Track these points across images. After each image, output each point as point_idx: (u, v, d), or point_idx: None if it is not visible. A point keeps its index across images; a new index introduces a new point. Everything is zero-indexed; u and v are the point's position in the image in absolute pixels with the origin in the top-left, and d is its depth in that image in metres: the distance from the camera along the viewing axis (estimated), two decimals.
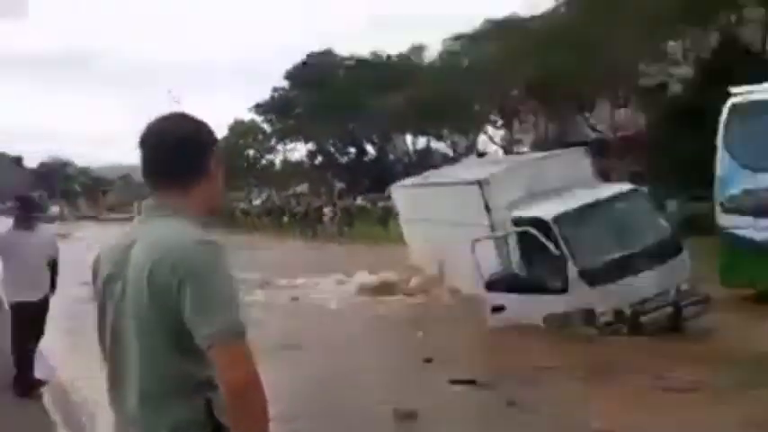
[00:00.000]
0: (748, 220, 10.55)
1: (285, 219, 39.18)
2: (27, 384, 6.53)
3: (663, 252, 9.60)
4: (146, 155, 1.96)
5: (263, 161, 56.79)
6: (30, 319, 6.48)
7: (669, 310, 9.20)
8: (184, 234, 1.83)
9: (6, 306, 6.77)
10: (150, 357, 1.83)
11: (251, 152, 55.42)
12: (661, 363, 7.96)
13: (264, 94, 53.77)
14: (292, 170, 54.23)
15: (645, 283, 9.27)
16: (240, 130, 52.38)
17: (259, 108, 53.86)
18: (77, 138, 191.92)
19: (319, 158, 54.14)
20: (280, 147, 56.26)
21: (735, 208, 10.78)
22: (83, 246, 23.74)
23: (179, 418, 1.83)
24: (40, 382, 6.74)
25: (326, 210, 35.64)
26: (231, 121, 54.94)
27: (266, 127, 55.69)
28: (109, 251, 1.97)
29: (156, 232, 1.86)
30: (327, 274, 16.16)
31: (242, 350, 1.77)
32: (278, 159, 57.32)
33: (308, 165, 54.52)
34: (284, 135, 53.91)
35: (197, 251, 1.79)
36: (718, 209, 11.13)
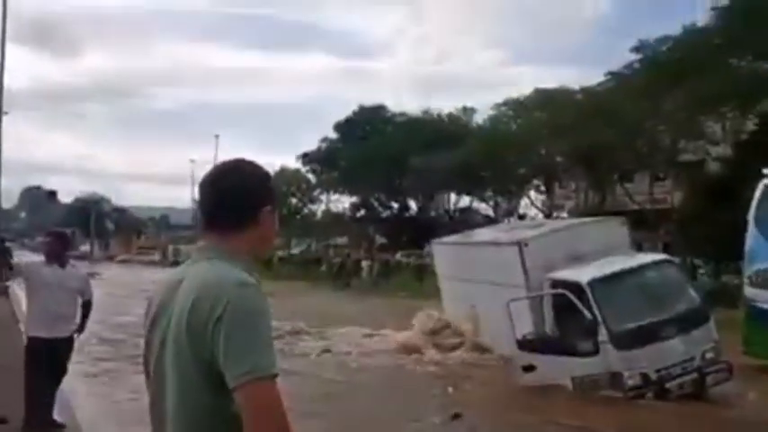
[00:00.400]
0: None
1: (323, 268, 39.59)
2: (46, 425, 6.21)
3: (690, 320, 9.81)
4: (201, 197, 1.99)
5: (305, 210, 57.26)
6: (52, 357, 6.13)
7: (694, 376, 9.40)
8: (226, 275, 1.83)
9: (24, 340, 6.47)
10: (186, 393, 1.82)
11: (294, 200, 55.93)
12: (686, 427, 8.16)
13: (313, 145, 54.89)
14: (333, 221, 54.54)
15: (672, 350, 9.48)
16: (285, 177, 53.07)
17: (306, 157, 54.77)
18: (115, 175, 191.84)
19: (362, 212, 54.48)
20: (323, 197, 56.95)
21: (761, 282, 11.02)
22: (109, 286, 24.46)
23: None
24: (59, 425, 6.47)
25: (365, 263, 36.04)
26: (278, 168, 55.95)
27: (311, 177, 56.51)
28: (160, 288, 2.00)
29: (201, 273, 1.88)
30: (360, 327, 16.47)
31: (270, 393, 1.72)
32: (320, 210, 57.83)
33: (349, 217, 54.85)
34: (329, 186, 54.59)
35: (236, 292, 1.78)
36: (745, 282, 11.38)
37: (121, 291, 24.86)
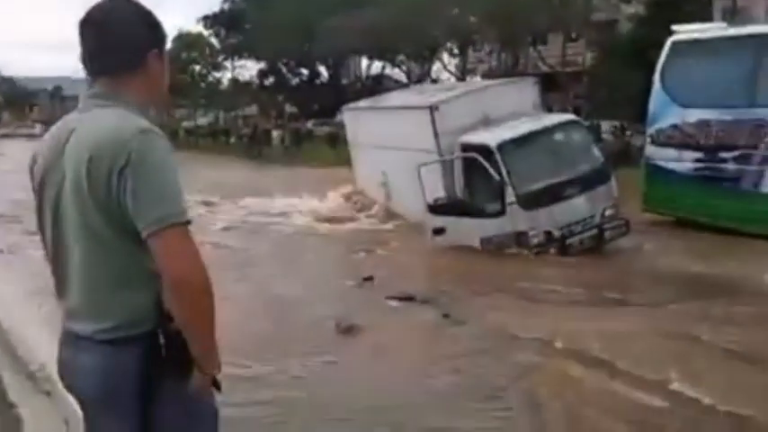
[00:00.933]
0: (672, 152, 11.24)
1: (232, 140, 38.70)
2: None
3: (593, 180, 10.15)
4: (85, 40, 1.85)
5: (210, 78, 54.85)
6: None
7: (594, 232, 9.88)
8: (125, 122, 1.75)
9: None
10: (95, 249, 1.77)
11: (197, 68, 53.29)
12: (587, 279, 8.64)
13: (214, 6, 51.69)
14: (241, 90, 52.60)
15: (574, 208, 9.87)
16: (186, 42, 50.05)
17: (207, 20, 51.83)
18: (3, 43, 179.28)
19: (270, 79, 52.71)
20: (228, 64, 54.41)
21: (662, 141, 11.44)
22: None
23: (125, 310, 1.80)
24: None
25: (275, 133, 35.37)
26: (176, 32, 52.90)
27: (215, 41, 53.76)
28: (45, 144, 1.88)
29: (95, 121, 1.78)
30: (273, 196, 16.31)
31: (183, 239, 1.72)
32: (226, 78, 55.50)
33: (257, 85, 53.01)
34: (234, 51, 52.10)
35: (138, 139, 1.71)
36: (647, 141, 11.80)
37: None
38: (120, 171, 1.69)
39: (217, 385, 1.93)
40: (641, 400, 4.83)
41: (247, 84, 53.06)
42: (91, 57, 1.86)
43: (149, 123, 1.78)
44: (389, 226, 12.84)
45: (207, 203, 15.73)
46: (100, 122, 1.77)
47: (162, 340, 1.79)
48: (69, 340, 1.89)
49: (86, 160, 1.72)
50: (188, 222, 1.75)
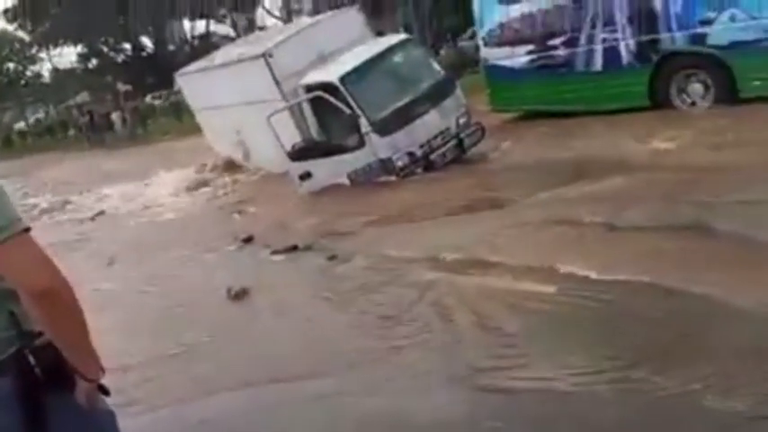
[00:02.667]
0: (506, 50, 11.67)
1: (71, 132, 36.54)
2: None
3: (439, 93, 10.35)
4: None
5: (29, 73, 51.15)
6: None
7: (453, 143, 10.18)
8: None
9: None
10: None
11: (11, 65, 49.59)
12: (457, 188, 8.92)
13: None
14: (65, 79, 49.44)
15: (429, 124, 10.07)
16: None
17: (8, 13, 47.81)
18: None
19: (93, 62, 49.73)
20: (44, 54, 50.75)
21: (493, 41, 11.83)
22: None
23: None
24: None
25: (114, 115, 33.61)
26: None
27: (23, 35, 49.84)
28: None
29: None
30: (131, 180, 15.72)
31: (28, 248, 1.63)
32: (45, 69, 51.95)
33: (82, 70, 49.96)
34: (46, 40, 48.55)
35: None
36: (480, 44, 12.16)
37: None
38: None
39: (104, 390, 1.87)
40: (538, 289, 5.03)
41: (71, 71, 49.84)
42: None
43: None
44: (254, 183, 12.67)
45: (65, 202, 15.01)
46: None
47: (32, 360, 1.70)
48: None
49: None
50: (27, 230, 1.65)
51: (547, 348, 4.19)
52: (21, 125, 46.26)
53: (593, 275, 5.01)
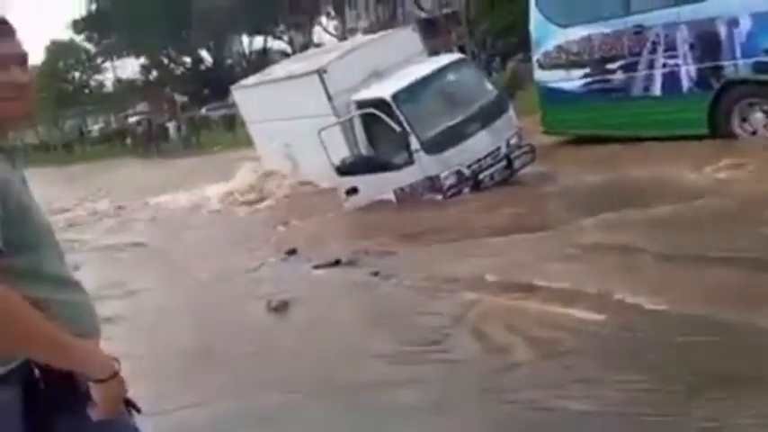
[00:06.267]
0: (561, 73, 11.47)
1: (128, 141, 37.41)
2: None
3: (491, 113, 10.23)
4: None
5: (92, 83, 52.80)
6: None
7: (503, 163, 10.02)
8: None
9: None
10: None
11: (76, 74, 51.29)
12: (505, 210, 8.75)
13: (81, 10, 49.54)
14: (127, 89, 50.87)
15: (479, 144, 9.95)
16: (59, 51, 47.78)
17: (78, 25, 49.50)
18: None
19: (154, 73, 51.16)
20: (108, 65, 52.38)
21: (549, 63, 11.64)
22: None
23: None
24: None
25: (170, 125, 34.34)
26: (48, 42, 50.37)
27: (89, 46, 51.53)
28: None
29: None
30: (181, 189, 15.89)
31: None
32: (108, 80, 53.54)
33: (142, 81, 51.36)
34: (111, 52, 50.12)
35: None
36: (535, 66, 11.99)
37: None
38: None
39: (134, 406, 1.79)
40: (584, 316, 4.86)
41: (132, 81, 51.34)
42: None
43: None
44: (301, 196, 12.66)
45: (119, 208, 15.28)
46: None
47: (37, 373, 1.64)
48: None
49: None
50: None
51: (596, 376, 4.02)
52: (81, 133, 47.59)
53: (647, 305, 4.78)
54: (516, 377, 4.24)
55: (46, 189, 12.31)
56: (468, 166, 9.81)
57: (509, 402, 3.94)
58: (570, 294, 5.26)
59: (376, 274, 7.07)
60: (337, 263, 7.75)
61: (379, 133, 10.40)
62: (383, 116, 9.88)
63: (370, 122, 10.46)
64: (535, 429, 3.68)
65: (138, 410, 1.81)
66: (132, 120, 44.41)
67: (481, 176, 9.85)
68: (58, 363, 1.62)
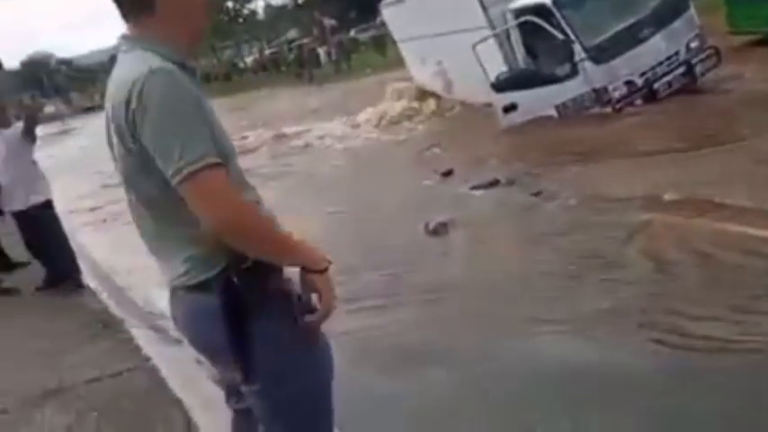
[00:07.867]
0: None
1: (283, 68, 38.35)
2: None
3: (668, 14, 9.33)
4: None
5: (245, 11, 54.62)
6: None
7: (682, 70, 9.12)
8: (138, 65, 1.65)
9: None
10: (146, 200, 1.76)
11: (230, 4, 53.17)
12: (683, 123, 7.97)
13: None
14: (277, 15, 52.19)
15: (653, 50, 9.15)
16: None
17: None
18: (52, 27, 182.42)
19: None
20: None
21: None
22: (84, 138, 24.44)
23: (194, 254, 1.75)
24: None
25: (320, 50, 34.73)
26: None
27: None
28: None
29: (117, 69, 1.76)
30: (334, 115, 16.04)
31: (206, 186, 1.61)
32: (260, 7, 55.14)
33: (292, 6, 52.41)
34: None
35: (143, 81, 1.61)
36: None
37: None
38: (132, 116, 1.63)
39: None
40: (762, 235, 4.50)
41: (282, 7, 52.58)
42: (116, 4, 1.79)
43: (163, 62, 1.66)
44: (456, 116, 12.34)
45: (278, 136, 15.62)
46: (119, 70, 1.74)
47: (235, 279, 1.73)
48: (171, 294, 1.89)
49: (111, 108, 1.69)
50: (210, 165, 1.61)
51: None
52: (237, 62, 49.45)
53: None
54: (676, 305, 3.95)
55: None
56: (641, 75, 9.02)
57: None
58: (757, 213, 4.90)
59: (538, 193, 6.77)
60: (496, 183, 7.49)
61: (539, 44, 9.79)
62: (543, 24, 9.28)
63: (528, 32, 9.86)
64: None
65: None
66: (285, 47, 45.48)
67: (656, 86, 9.04)
68: (287, 260, 1.77)
